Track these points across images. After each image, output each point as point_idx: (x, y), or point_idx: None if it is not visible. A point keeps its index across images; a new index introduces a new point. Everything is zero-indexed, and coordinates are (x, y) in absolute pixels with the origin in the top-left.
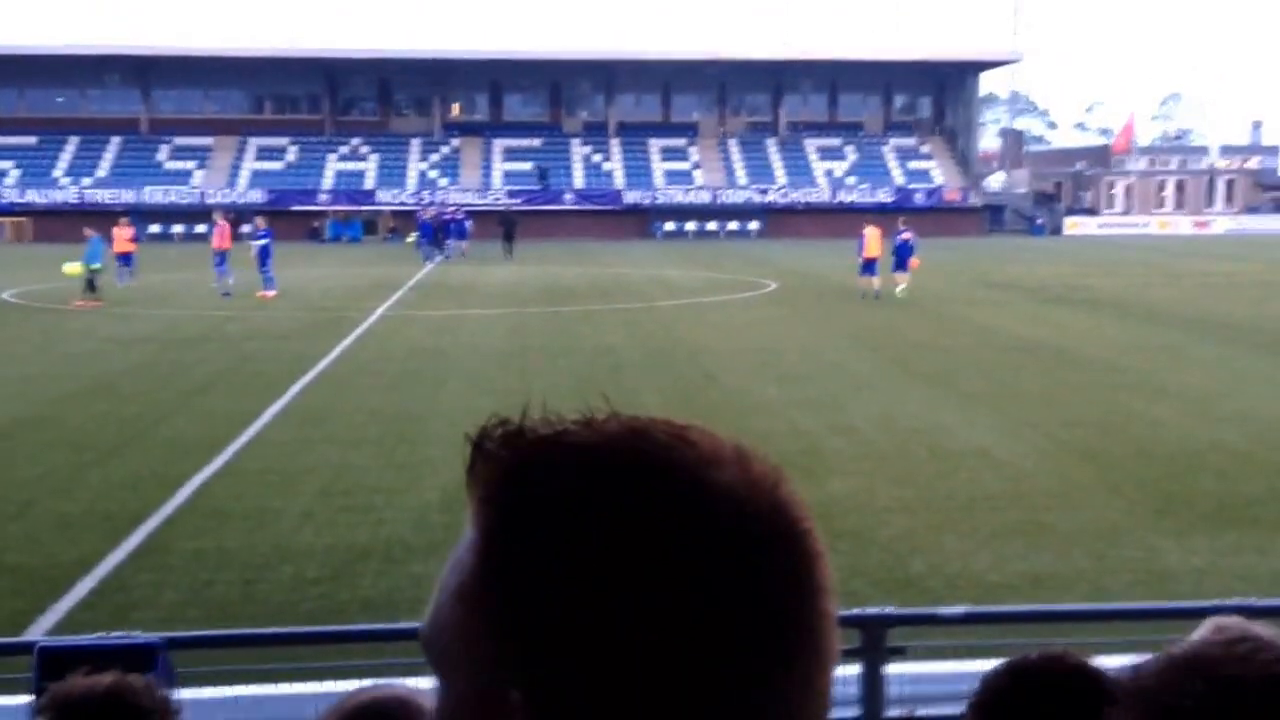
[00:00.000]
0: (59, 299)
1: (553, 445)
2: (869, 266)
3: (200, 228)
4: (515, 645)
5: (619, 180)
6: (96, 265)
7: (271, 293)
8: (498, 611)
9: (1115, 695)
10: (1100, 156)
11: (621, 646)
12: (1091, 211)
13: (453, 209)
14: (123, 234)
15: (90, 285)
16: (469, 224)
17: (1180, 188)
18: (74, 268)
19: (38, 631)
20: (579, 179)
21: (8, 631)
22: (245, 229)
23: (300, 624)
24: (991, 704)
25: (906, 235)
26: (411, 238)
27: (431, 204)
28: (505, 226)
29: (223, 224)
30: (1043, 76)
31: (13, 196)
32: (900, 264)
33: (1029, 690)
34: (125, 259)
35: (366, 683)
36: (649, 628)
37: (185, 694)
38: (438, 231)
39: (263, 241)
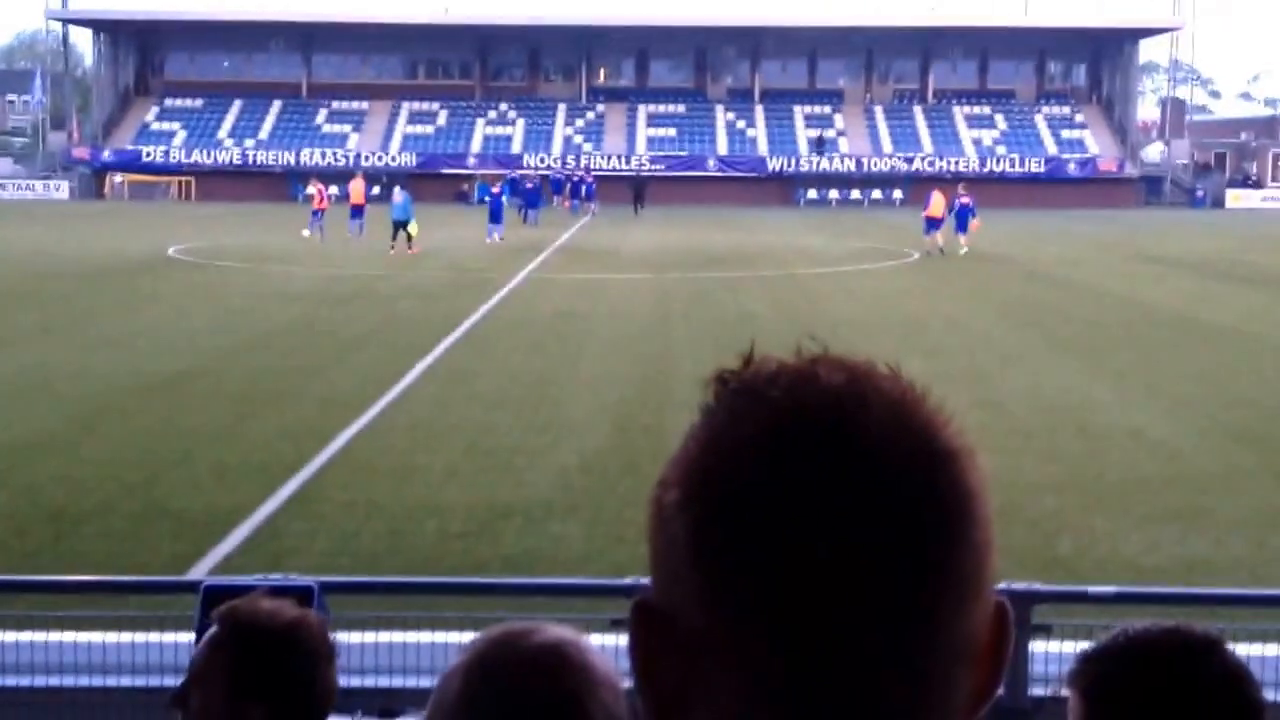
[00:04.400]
0: (218, 255)
1: None
2: (932, 224)
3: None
4: None
5: (762, 147)
6: (404, 219)
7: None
8: None
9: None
10: (1267, 127)
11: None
12: (1256, 184)
13: (580, 172)
14: (358, 188)
15: (407, 236)
16: (595, 186)
17: None
18: (414, 226)
19: (198, 573)
20: (722, 145)
21: (170, 572)
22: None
23: (444, 576)
24: (1107, 689)
25: (965, 200)
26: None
27: (518, 167)
28: (635, 188)
29: (358, 182)
30: (1206, 44)
31: (180, 157)
32: (961, 226)
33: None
34: (358, 211)
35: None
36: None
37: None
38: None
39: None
